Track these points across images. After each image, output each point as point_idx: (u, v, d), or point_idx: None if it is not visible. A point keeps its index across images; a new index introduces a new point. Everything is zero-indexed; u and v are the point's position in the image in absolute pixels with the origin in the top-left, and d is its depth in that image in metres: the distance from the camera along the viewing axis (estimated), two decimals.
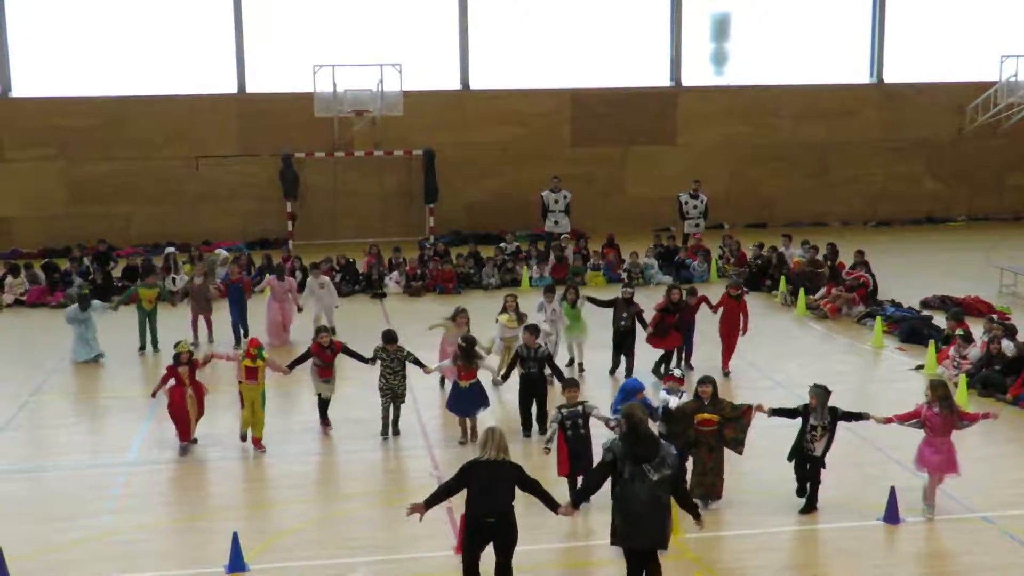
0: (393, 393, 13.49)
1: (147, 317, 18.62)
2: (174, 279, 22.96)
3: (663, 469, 8.62)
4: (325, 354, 13.71)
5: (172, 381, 13.19)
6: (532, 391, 13.62)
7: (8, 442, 13.97)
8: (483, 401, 13.40)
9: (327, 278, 19.76)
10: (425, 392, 15.39)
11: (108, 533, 10.89)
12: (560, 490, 10.88)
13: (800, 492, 11.36)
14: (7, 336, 20.22)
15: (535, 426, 13.59)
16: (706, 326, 17.01)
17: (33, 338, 19.83)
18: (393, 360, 13.44)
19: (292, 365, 13.79)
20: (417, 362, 13.59)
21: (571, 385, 11.65)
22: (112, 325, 18.80)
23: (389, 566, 10.13)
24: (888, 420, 11.36)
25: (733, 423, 11.18)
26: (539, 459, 11.94)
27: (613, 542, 8.95)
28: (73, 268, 23.74)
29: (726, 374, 16.32)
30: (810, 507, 11.25)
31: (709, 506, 11.10)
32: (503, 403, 14.84)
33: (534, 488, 8.90)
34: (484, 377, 13.66)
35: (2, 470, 12.88)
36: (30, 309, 22.19)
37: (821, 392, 11.04)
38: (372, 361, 13.58)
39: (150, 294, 18.84)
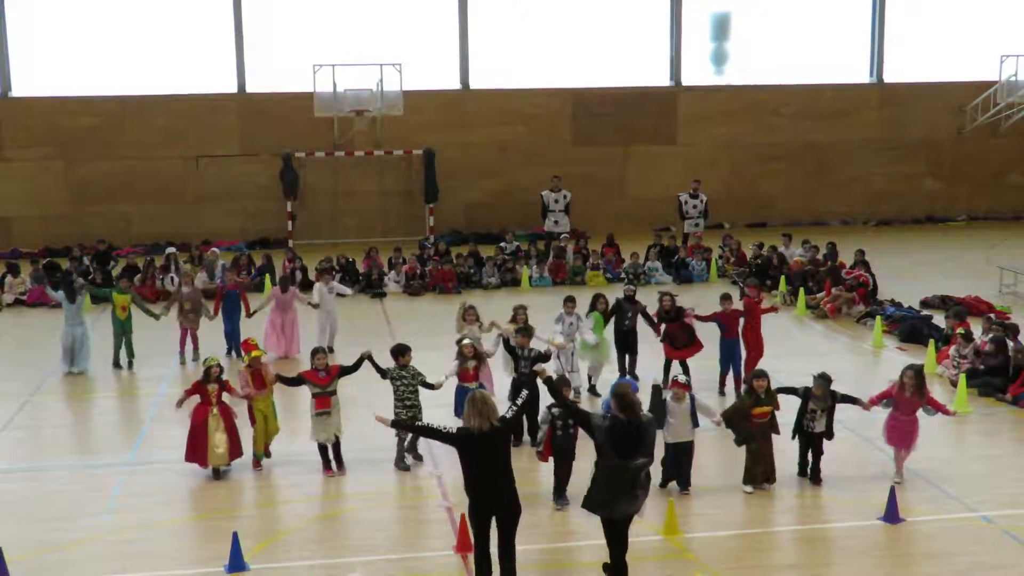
0: (411, 415, 12.56)
1: (121, 327, 17.07)
2: (172, 279, 22.66)
3: (645, 456, 8.92)
4: (319, 377, 12.29)
5: (197, 398, 12.21)
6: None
7: (8, 442, 13.96)
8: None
9: (336, 283, 18.54)
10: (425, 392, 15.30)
11: (108, 533, 10.88)
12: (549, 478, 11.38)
13: (802, 471, 11.91)
14: (7, 336, 20.21)
15: (526, 437, 13.11)
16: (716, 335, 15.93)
17: (33, 338, 19.78)
18: (412, 378, 12.45)
19: (282, 379, 12.71)
20: (426, 384, 12.56)
21: (563, 384, 11.61)
22: (109, 330, 18.47)
23: (389, 566, 10.12)
24: (871, 402, 12.01)
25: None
26: (530, 462, 12.09)
27: (584, 506, 9.14)
28: (73, 268, 23.73)
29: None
30: (815, 478, 11.80)
31: (768, 487, 11.65)
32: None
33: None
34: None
35: (2, 470, 12.86)
36: (30, 309, 22.18)
37: (824, 384, 11.71)
38: (384, 374, 12.51)
39: (122, 300, 17.08)
